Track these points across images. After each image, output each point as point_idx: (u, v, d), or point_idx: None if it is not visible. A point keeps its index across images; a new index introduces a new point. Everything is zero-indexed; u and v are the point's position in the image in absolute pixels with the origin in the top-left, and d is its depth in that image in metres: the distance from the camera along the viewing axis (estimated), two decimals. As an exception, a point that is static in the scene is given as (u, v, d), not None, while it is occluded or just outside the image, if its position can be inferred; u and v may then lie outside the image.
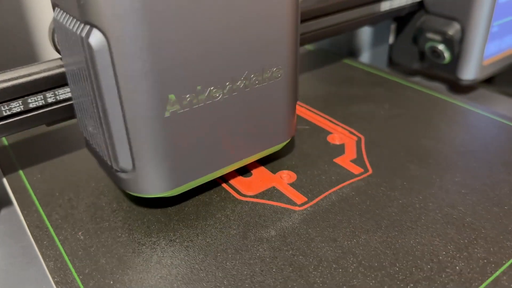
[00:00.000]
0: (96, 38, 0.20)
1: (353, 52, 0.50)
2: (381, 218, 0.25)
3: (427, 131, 0.33)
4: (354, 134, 0.33)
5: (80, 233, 0.25)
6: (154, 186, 0.24)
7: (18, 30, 0.46)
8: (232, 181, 0.28)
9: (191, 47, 0.22)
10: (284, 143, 0.29)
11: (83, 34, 0.20)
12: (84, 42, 0.20)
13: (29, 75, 0.26)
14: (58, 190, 0.28)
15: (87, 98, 0.23)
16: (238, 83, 0.24)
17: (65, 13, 0.22)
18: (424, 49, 0.43)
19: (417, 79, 0.47)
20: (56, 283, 0.22)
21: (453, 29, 0.41)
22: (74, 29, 0.21)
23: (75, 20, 0.21)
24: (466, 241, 0.24)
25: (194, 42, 0.22)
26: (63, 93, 0.27)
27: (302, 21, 0.36)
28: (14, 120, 0.27)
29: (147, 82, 0.21)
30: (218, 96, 0.24)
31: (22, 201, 0.28)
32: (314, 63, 0.46)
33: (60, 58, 0.27)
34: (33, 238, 0.25)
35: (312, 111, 0.36)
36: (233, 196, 0.27)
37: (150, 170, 0.23)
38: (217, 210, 0.26)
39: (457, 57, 0.41)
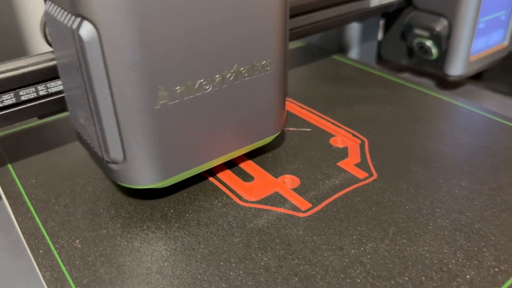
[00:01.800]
0: (86, 30, 0.20)
1: (342, 48, 0.50)
2: (388, 224, 0.25)
3: (430, 132, 0.33)
4: (357, 137, 0.32)
5: (77, 241, 0.24)
6: (145, 177, 0.24)
7: (8, 26, 0.45)
8: (233, 186, 0.28)
9: (181, 40, 0.22)
10: (273, 136, 0.29)
11: (74, 26, 0.20)
12: (75, 34, 0.20)
13: (21, 68, 0.26)
14: (54, 195, 0.27)
15: (78, 90, 0.23)
16: (228, 76, 0.24)
17: (56, 6, 0.22)
18: (412, 45, 0.44)
19: (406, 75, 0.47)
20: (53, 295, 0.21)
21: (441, 25, 0.41)
22: (65, 22, 0.21)
23: (66, 12, 0.21)
24: (475, 248, 0.23)
25: (184, 34, 0.22)
26: (55, 86, 0.28)
27: (292, 16, 0.36)
28: (6, 113, 0.27)
29: (137, 73, 0.21)
30: (208, 89, 0.24)
31: (16, 207, 0.27)
32: (304, 59, 0.46)
33: (52, 51, 0.27)
34: (29, 247, 0.24)
35: (312, 112, 0.35)
36: (235, 202, 0.26)
37: (141, 161, 0.24)
38: (219, 217, 0.25)
39: (444, 53, 0.42)
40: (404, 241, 0.24)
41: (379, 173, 0.28)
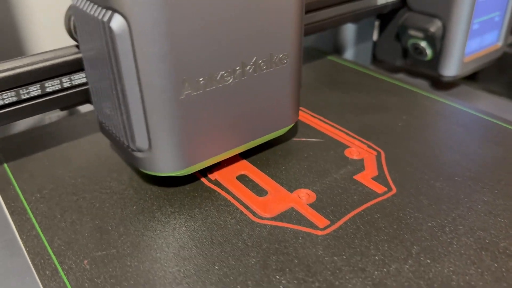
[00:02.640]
0: (117, 23, 0.21)
1: (338, 49, 0.50)
2: (411, 243, 0.24)
3: (444, 142, 0.32)
4: (372, 148, 0.31)
5: (85, 261, 0.23)
6: (168, 165, 0.25)
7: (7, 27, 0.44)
8: (246, 201, 0.27)
9: (205, 33, 0.23)
10: (288, 127, 0.30)
11: (105, 19, 0.21)
12: (106, 27, 0.21)
13: (47, 60, 0.27)
14: (59, 211, 0.26)
15: (105, 82, 0.24)
16: (247, 68, 0.26)
17: (85, 0, 0.23)
18: (407, 46, 0.44)
19: (401, 75, 0.48)
20: (62, 321, 0.20)
21: (435, 26, 0.41)
22: (96, 15, 0.22)
23: (96, 6, 0.22)
24: (503, 269, 0.22)
25: (208, 28, 0.23)
26: (78, 78, 0.29)
27: None
28: (31, 104, 0.28)
29: (164, 65, 0.22)
30: (229, 80, 0.25)
31: (21, 224, 0.26)
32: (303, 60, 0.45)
33: (76, 46, 0.28)
34: (34, 267, 0.23)
35: (323, 121, 0.34)
36: (249, 219, 0.25)
37: (165, 149, 0.25)
38: (233, 235, 0.24)
39: (439, 54, 0.42)
40: (428, 261, 0.23)
41: (398, 188, 0.27)
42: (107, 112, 0.26)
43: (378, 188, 0.27)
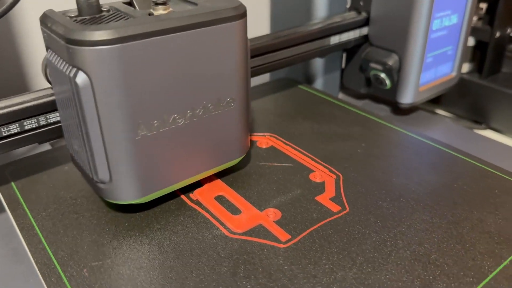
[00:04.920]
0: (81, 79, 0.25)
1: (309, 79, 0.55)
2: (356, 255, 0.28)
3: (398, 168, 0.36)
4: (333, 172, 0.36)
5: (85, 270, 0.28)
6: (127, 195, 0.29)
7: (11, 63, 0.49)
8: (222, 219, 0.31)
9: (158, 84, 0.27)
10: (239, 159, 0.34)
11: (71, 75, 0.25)
12: (72, 81, 0.25)
13: (25, 102, 0.32)
14: (63, 227, 0.31)
15: (73, 123, 0.28)
16: (197, 111, 0.30)
17: (56, 55, 0.27)
18: (369, 76, 0.50)
19: (366, 101, 0.54)
20: (65, 319, 0.25)
21: (392, 60, 0.47)
22: (64, 70, 0.26)
23: (64, 62, 0.26)
24: (430, 277, 0.27)
25: (160, 80, 0.27)
26: (54, 117, 0.33)
27: (260, 54, 0.42)
28: (11, 140, 0.32)
29: (121, 111, 0.26)
30: (181, 122, 0.29)
31: (29, 238, 0.30)
32: (275, 90, 0.51)
33: (51, 88, 0.32)
34: (42, 275, 0.27)
35: (295, 148, 0.39)
36: (224, 234, 0.30)
37: (124, 181, 0.29)
38: (209, 248, 0.29)
39: (396, 84, 0.48)
40: (369, 270, 0.27)
41: (351, 207, 0.32)
42: (76, 148, 0.30)
43: (334, 207, 0.32)
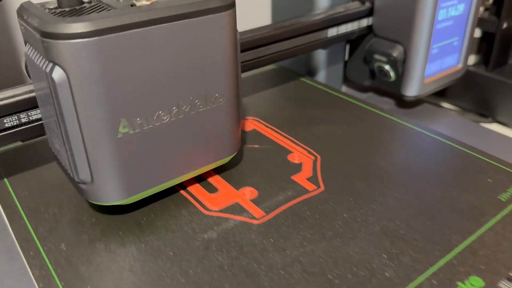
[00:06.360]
0: (58, 74, 0.24)
1: (311, 71, 0.55)
2: (326, 230, 0.29)
3: (377, 151, 0.37)
4: (312, 153, 0.37)
5: (62, 244, 0.28)
6: (109, 196, 0.28)
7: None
8: (199, 197, 0.32)
9: (139, 79, 0.26)
10: (230, 157, 0.33)
11: (48, 70, 0.24)
12: (48, 77, 0.24)
13: (5, 98, 0.30)
14: (44, 205, 0.32)
15: (52, 120, 0.27)
16: (183, 108, 0.28)
17: (34, 50, 0.26)
18: (373, 68, 0.49)
19: (370, 94, 0.53)
20: (41, 289, 0.26)
21: (397, 51, 0.46)
22: (41, 65, 0.25)
23: (41, 57, 0.25)
24: (398, 251, 0.28)
25: (143, 74, 0.26)
26: (35, 114, 0.32)
27: (260, 45, 0.42)
28: None
29: (100, 108, 0.25)
30: (166, 119, 0.28)
31: (11, 215, 0.31)
32: (275, 81, 0.51)
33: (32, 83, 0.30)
34: (21, 250, 0.28)
35: (276, 131, 0.40)
36: (200, 211, 0.31)
37: (105, 182, 0.27)
38: (185, 224, 0.30)
39: (401, 76, 0.47)
40: (338, 244, 0.28)
41: (326, 186, 0.33)
42: (57, 147, 0.29)
43: (310, 186, 0.33)
